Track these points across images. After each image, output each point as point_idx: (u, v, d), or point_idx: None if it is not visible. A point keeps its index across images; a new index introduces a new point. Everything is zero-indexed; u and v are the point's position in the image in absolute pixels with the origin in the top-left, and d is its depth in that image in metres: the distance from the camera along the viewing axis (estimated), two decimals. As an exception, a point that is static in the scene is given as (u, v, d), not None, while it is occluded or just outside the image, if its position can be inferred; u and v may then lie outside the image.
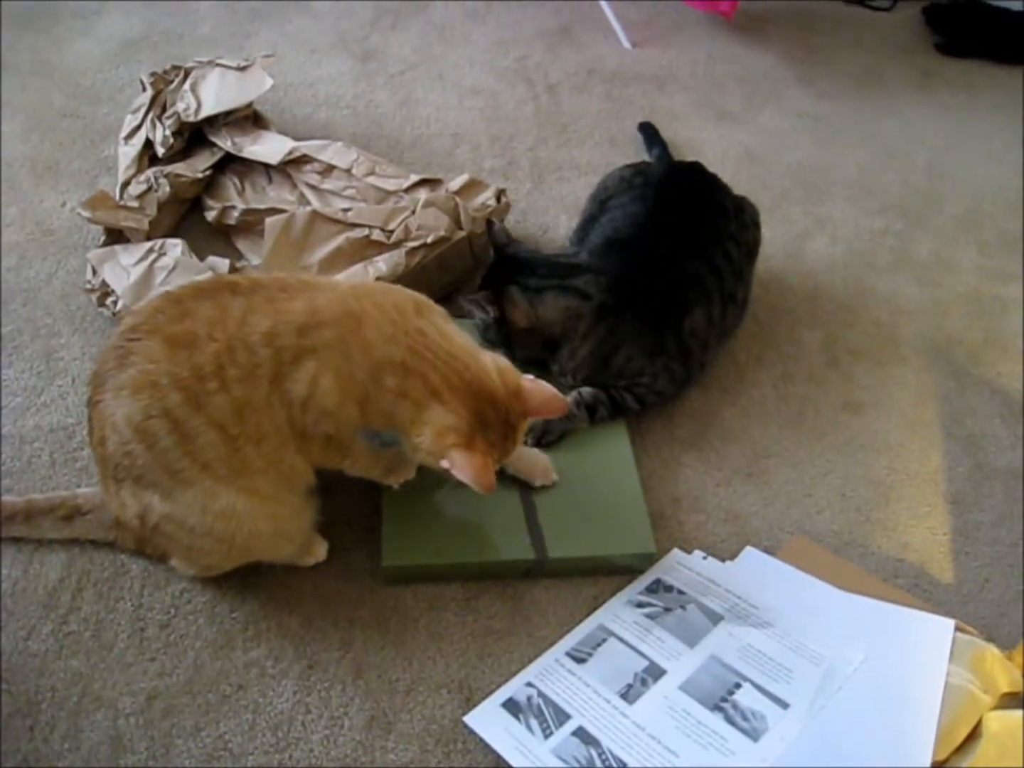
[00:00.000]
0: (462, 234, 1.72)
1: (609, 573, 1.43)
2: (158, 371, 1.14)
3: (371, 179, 1.85)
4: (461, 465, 1.16)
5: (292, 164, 1.89)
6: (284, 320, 1.16)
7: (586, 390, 1.59)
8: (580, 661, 1.31)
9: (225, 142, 1.91)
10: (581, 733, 1.21)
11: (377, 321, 1.18)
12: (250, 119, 2.00)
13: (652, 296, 1.60)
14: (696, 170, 1.83)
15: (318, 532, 1.38)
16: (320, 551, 1.39)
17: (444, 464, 1.17)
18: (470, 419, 1.18)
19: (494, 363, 1.23)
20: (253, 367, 1.15)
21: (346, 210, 1.71)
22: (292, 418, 1.18)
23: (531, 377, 1.26)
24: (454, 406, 1.18)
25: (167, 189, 1.79)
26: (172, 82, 1.97)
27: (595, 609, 1.39)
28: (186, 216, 1.90)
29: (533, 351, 1.62)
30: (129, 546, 1.35)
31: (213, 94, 1.93)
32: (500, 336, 1.61)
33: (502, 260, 1.65)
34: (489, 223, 1.71)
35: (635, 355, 1.58)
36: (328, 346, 1.16)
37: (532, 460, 1.48)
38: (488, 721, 1.23)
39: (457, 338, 1.23)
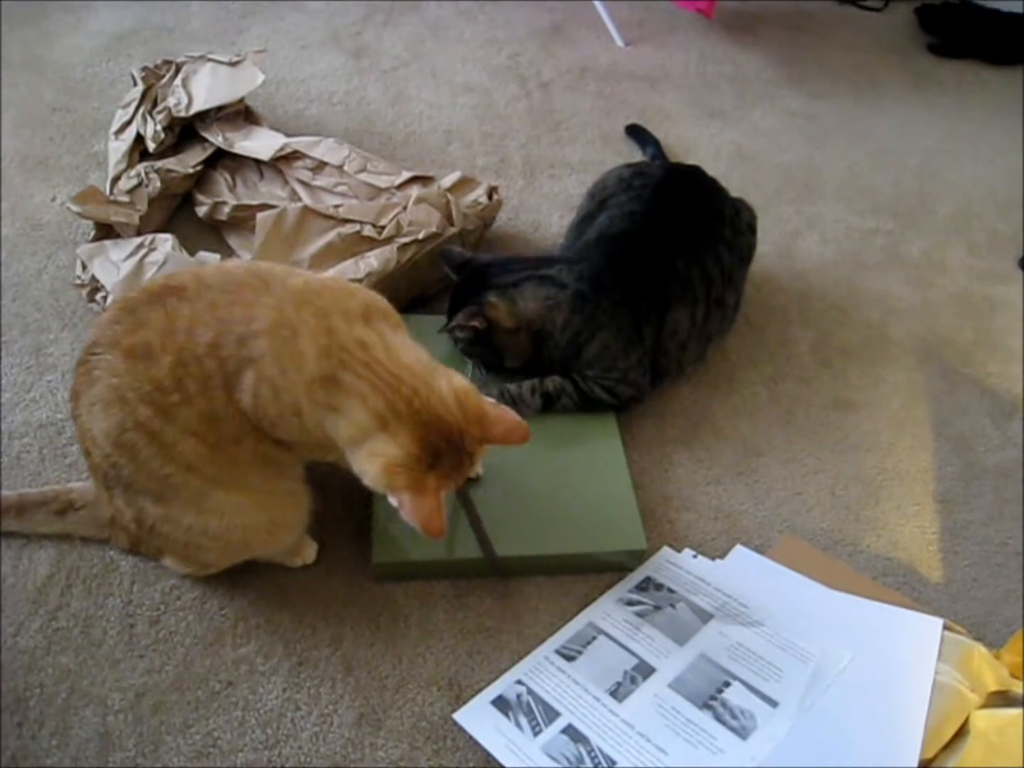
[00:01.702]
0: (454, 230, 1.72)
1: (599, 571, 1.43)
2: (122, 385, 1.12)
3: (363, 176, 1.84)
4: (411, 511, 1.09)
5: (283, 160, 1.88)
6: (225, 330, 1.12)
7: (551, 379, 1.59)
8: (570, 659, 1.31)
9: (216, 137, 1.90)
10: (570, 731, 1.21)
11: (313, 331, 1.10)
12: (241, 115, 1.99)
13: (635, 289, 1.60)
14: (695, 174, 1.83)
15: (308, 533, 1.37)
16: (309, 553, 1.38)
17: (392, 502, 1.11)
18: (419, 453, 1.09)
19: (450, 385, 1.13)
20: (206, 379, 1.12)
21: (337, 206, 1.71)
22: (255, 424, 1.16)
23: (493, 401, 1.19)
24: (402, 438, 1.09)
25: (158, 184, 1.78)
26: (163, 77, 1.96)
27: (585, 607, 1.39)
28: (177, 211, 1.89)
29: (524, 355, 1.61)
30: (123, 546, 1.34)
31: (204, 89, 1.92)
32: (489, 350, 1.60)
33: (467, 275, 1.63)
34: (441, 252, 1.66)
35: (610, 344, 1.58)
36: (263, 356, 1.10)
37: None
38: (478, 718, 1.23)
39: (406, 355, 1.13)
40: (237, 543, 1.25)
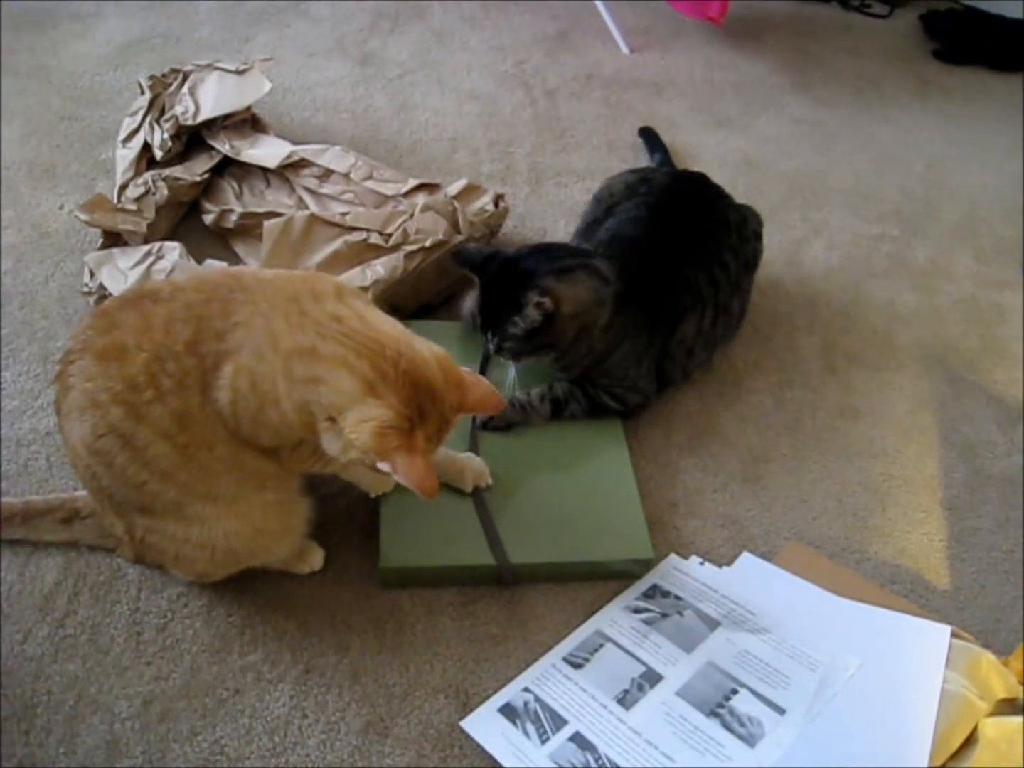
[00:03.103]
0: (460, 238, 1.72)
1: (606, 578, 1.43)
2: (95, 388, 1.12)
3: (369, 183, 1.85)
4: (405, 471, 1.07)
5: (290, 168, 1.89)
6: (204, 326, 1.12)
7: (560, 385, 1.58)
8: (577, 666, 1.31)
9: (223, 146, 1.91)
10: (578, 739, 1.21)
11: (286, 312, 1.11)
12: (248, 123, 2.00)
13: (651, 297, 1.59)
14: (700, 180, 1.83)
15: (315, 540, 1.38)
16: (316, 560, 1.38)
17: (383, 467, 1.08)
18: (408, 414, 1.08)
19: (430, 350, 1.13)
20: (182, 376, 1.11)
21: (344, 214, 1.71)
22: (233, 430, 1.14)
23: (468, 370, 1.19)
24: (391, 400, 1.07)
25: (165, 192, 1.78)
26: (170, 85, 1.97)
27: (592, 614, 1.38)
28: (184, 219, 1.90)
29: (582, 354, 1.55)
30: (129, 558, 1.34)
31: (211, 97, 1.93)
32: (543, 342, 1.50)
33: (498, 270, 1.55)
34: (455, 253, 1.59)
35: (628, 354, 1.57)
36: (241, 347, 1.11)
37: (461, 464, 1.44)
38: (485, 726, 1.23)
39: (383, 323, 1.14)
40: (223, 551, 1.24)
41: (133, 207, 1.74)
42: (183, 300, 1.14)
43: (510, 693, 1.28)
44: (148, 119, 1.91)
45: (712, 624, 1.37)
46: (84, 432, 1.14)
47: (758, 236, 1.80)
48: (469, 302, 1.64)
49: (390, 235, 1.67)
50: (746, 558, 1.48)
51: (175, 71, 1.99)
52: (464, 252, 1.60)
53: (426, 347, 1.14)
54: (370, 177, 1.86)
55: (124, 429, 1.12)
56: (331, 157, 1.88)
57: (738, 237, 1.73)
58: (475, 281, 1.58)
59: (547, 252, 1.57)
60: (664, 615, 1.38)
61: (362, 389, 1.07)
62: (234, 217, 1.83)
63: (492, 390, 1.18)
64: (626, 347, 1.57)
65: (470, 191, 1.85)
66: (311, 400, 1.09)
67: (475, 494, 1.44)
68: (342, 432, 1.07)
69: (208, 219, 1.86)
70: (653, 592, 1.41)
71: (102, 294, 1.62)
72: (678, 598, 1.40)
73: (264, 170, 1.92)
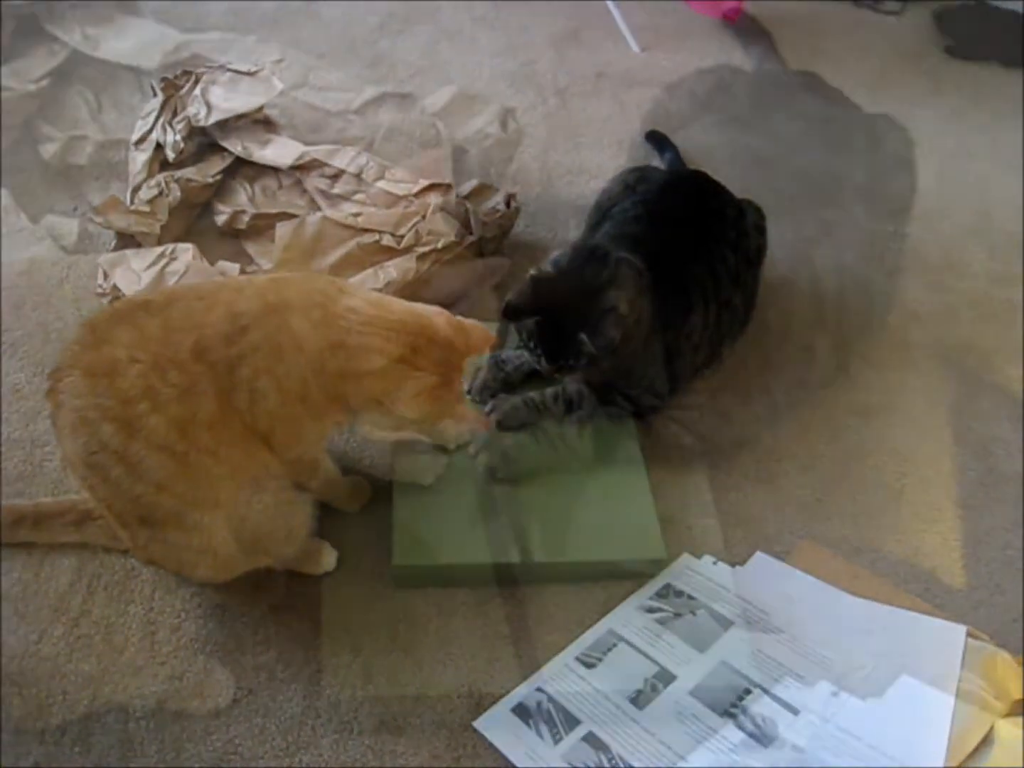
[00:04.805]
0: (472, 239, 1.72)
1: (619, 578, 1.43)
2: (85, 405, 1.11)
3: (381, 184, 1.85)
4: (464, 416, 1.26)
5: (302, 169, 1.89)
6: (209, 333, 1.13)
7: (572, 386, 1.57)
8: (590, 666, 1.30)
9: (235, 147, 1.92)
10: (591, 738, 1.21)
11: (303, 309, 1.16)
12: (260, 124, 2.01)
13: (657, 294, 1.56)
14: (697, 177, 1.82)
15: (328, 541, 1.38)
16: (329, 560, 1.38)
17: (444, 425, 1.27)
18: (445, 372, 1.21)
19: (435, 311, 1.24)
20: (190, 383, 1.12)
21: (356, 215, 1.71)
22: (250, 425, 1.16)
23: (460, 318, 1.27)
24: (430, 367, 1.19)
25: (178, 194, 1.79)
26: (183, 87, 1.98)
27: (605, 614, 1.38)
28: (197, 220, 1.90)
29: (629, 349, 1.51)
30: (142, 559, 1.34)
31: (223, 99, 1.94)
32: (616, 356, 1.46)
33: (550, 298, 1.45)
34: (506, 311, 1.45)
35: (649, 355, 1.56)
36: (257, 348, 1.13)
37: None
38: (498, 726, 1.23)
39: (395, 303, 1.23)
40: (225, 556, 1.24)
41: (146, 209, 1.75)
42: (180, 308, 1.15)
43: (523, 693, 1.27)
44: (160, 121, 1.92)
45: (725, 624, 1.36)
46: (77, 449, 1.14)
47: (760, 230, 1.77)
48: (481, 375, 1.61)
49: (402, 237, 1.68)
50: (759, 557, 1.48)
51: (187, 73, 2.01)
52: (511, 307, 1.45)
53: (430, 310, 1.24)
54: (381, 177, 1.86)
55: (116, 445, 1.11)
56: (342, 158, 1.88)
57: (736, 232, 1.71)
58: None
59: (585, 261, 1.49)
60: (677, 615, 1.37)
61: (402, 368, 1.17)
62: (247, 218, 1.83)
63: (485, 329, 1.29)
64: (647, 347, 1.55)
65: (481, 191, 1.85)
66: (349, 392, 1.18)
67: (535, 494, 1.46)
68: (390, 414, 1.20)
69: (221, 220, 1.86)
70: (666, 592, 1.41)
71: (116, 295, 1.62)
72: (691, 598, 1.40)
73: (276, 171, 1.93)
